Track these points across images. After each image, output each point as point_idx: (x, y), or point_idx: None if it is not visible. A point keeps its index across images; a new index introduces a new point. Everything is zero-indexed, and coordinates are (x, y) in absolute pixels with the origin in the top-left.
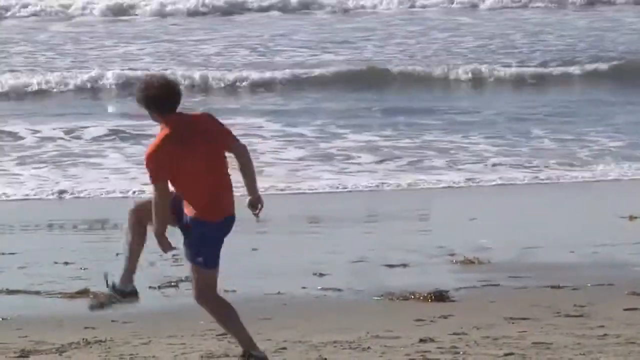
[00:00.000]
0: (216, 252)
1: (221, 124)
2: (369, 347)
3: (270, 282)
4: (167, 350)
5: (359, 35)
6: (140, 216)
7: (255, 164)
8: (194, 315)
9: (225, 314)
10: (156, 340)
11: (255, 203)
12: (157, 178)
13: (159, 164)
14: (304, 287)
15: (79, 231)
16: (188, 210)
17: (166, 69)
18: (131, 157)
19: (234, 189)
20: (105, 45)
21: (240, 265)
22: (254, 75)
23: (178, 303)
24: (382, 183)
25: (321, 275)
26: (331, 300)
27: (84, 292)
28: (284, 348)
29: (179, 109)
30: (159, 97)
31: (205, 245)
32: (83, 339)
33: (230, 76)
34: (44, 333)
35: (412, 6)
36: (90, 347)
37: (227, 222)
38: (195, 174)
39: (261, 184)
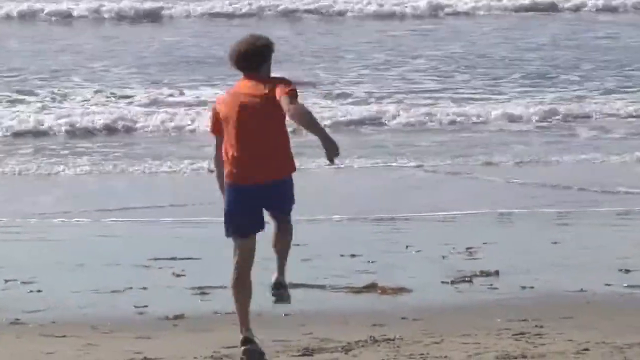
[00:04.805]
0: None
1: (280, 80)
2: None
3: (571, 278)
4: (460, 349)
5: None
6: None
7: None
8: (489, 312)
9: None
10: (448, 339)
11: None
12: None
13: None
14: (608, 284)
15: (367, 222)
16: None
17: None
18: None
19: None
20: None
21: (540, 259)
22: None
23: (472, 299)
24: None
25: (627, 271)
26: (638, 299)
27: (371, 287)
28: (587, 349)
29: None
30: (234, 58)
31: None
32: (370, 337)
33: None
34: (328, 330)
35: None
36: (378, 345)
37: (259, 189)
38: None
39: None
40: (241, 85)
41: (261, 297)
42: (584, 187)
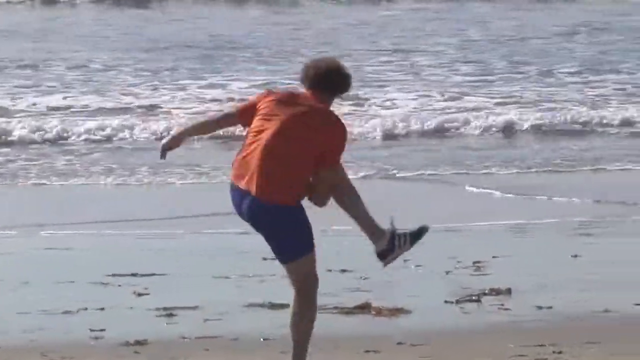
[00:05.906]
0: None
1: (339, 143)
2: None
3: (595, 297)
4: None
5: None
6: None
7: None
8: (501, 336)
9: None
10: None
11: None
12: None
13: None
14: (637, 304)
15: (359, 233)
16: None
17: None
18: None
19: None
20: None
21: (559, 275)
22: None
23: (480, 321)
24: None
25: None
26: None
27: (364, 307)
28: None
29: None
30: (317, 73)
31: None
32: None
33: None
34: (315, 357)
35: None
36: None
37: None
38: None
39: None
40: (306, 98)
41: (239, 320)
42: (610, 198)
